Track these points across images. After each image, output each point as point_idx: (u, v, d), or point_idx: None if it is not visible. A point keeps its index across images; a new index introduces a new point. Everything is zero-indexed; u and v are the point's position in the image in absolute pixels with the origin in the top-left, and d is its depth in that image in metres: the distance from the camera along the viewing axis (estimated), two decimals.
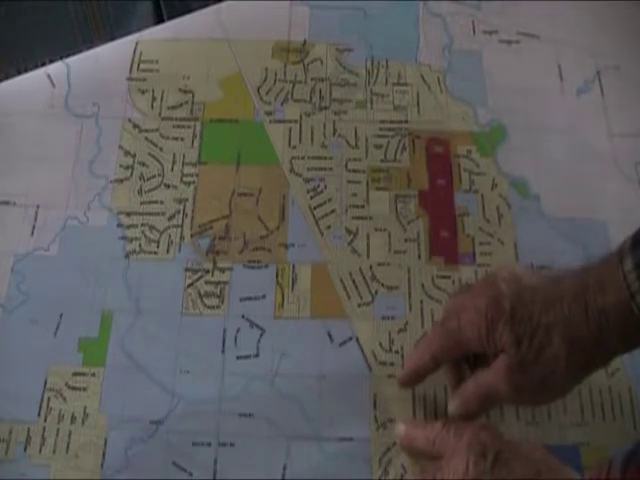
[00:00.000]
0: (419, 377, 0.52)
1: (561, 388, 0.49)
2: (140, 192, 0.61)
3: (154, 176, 0.62)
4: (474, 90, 0.67)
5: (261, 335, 0.56)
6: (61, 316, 0.56)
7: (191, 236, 0.59)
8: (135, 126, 0.64)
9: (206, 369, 0.55)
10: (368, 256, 0.59)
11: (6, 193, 0.61)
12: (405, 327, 0.57)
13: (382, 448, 0.52)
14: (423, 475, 0.47)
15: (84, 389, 0.54)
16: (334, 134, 0.64)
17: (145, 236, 0.59)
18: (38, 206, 0.60)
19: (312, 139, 0.64)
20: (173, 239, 0.59)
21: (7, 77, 0.68)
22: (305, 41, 0.69)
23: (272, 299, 0.57)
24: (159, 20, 0.93)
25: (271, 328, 0.56)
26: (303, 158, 0.63)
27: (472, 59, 0.68)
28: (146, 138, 0.63)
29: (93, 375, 0.54)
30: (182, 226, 0.60)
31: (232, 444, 0.52)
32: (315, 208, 0.61)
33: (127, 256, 0.58)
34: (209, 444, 0.52)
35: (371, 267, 0.59)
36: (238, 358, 0.55)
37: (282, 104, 0.65)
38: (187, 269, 0.58)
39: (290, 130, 0.64)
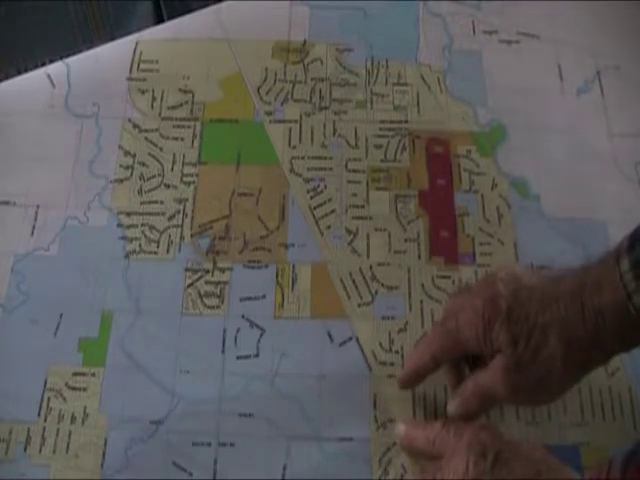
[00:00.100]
0: (419, 377, 0.52)
1: (558, 388, 0.49)
2: (140, 192, 0.61)
3: (154, 176, 0.62)
4: (474, 90, 0.67)
5: (261, 335, 0.56)
6: (61, 316, 0.56)
7: (191, 236, 0.59)
8: (135, 126, 0.64)
9: (206, 369, 0.55)
10: (368, 256, 0.59)
11: (6, 193, 0.61)
12: (405, 327, 0.57)
13: (382, 448, 0.52)
14: (423, 475, 0.47)
15: (84, 389, 0.54)
16: (334, 134, 0.64)
17: (145, 236, 0.59)
18: (38, 206, 0.60)
19: (312, 139, 0.64)
20: (173, 239, 0.59)
21: (7, 77, 0.68)
22: (305, 41, 0.69)
23: (272, 299, 0.57)
24: (159, 20, 0.93)
25: (271, 328, 0.56)
26: (303, 158, 0.63)
27: (472, 59, 0.68)
28: (146, 138, 0.63)
29: (93, 375, 0.54)
30: (182, 226, 0.60)
31: (232, 444, 0.52)
32: (315, 208, 0.61)
33: (127, 256, 0.58)
34: (209, 444, 0.52)
35: (371, 267, 0.59)
36: (238, 358, 0.55)
37: (282, 104, 0.65)
38: (187, 269, 0.58)
39: (290, 130, 0.64)
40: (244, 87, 0.66)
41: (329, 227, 0.60)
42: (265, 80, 0.66)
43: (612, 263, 0.46)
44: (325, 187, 0.62)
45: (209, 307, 0.57)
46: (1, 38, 0.88)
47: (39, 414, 0.53)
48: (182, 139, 0.63)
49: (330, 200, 0.61)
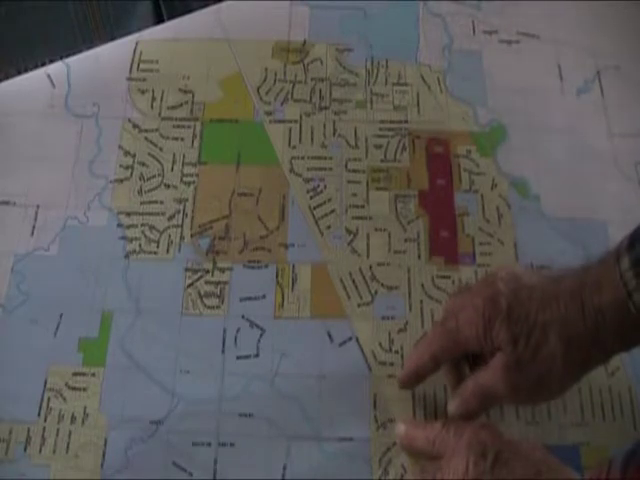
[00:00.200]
0: (419, 377, 0.52)
1: (558, 387, 0.49)
2: (140, 192, 0.61)
3: (154, 176, 0.62)
4: (474, 90, 0.67)
5: (261, 335, 0.56)
6: (61, 316, 0.56)
7: (191, 236, 0.59)
8: (135, 126, 0.64)
9: (206, 369, 0.55)
10: (368, 256, 0.59)
11: (6, 193, 0.61)
12: (405, 327, 0.57)
13: (382, 448, 0.52)
14: (423, 475, 0.47)
15: (84, 389, 0.54)
16: (334, 134, 0.64)
17: (145, 236, 0.59)
18: (38, 206, 0.60)
19: (312, 139, 0.64)
20: (173, 239, 0.59)
21: (7, 77, 0.68)
22: (305, 41, 0.69)
23: (272, 299, 0.57)
24: (159, 20, 0.93)
25: (271, 328, 0.56)
26: (303, 158, 0.63)
27: (472, 59, 0.68)
28: (146, 138, 0.63)
29: (93, 375, 0.54)
30: (182, 226, 0.60)
31: (232, 444, 0.52)
32: (315, 208, 0.61)
33: (127, 256, 0.58)
34: (209, 444, 0.52)
35: (371, 267, 0.59)
36: (238, 358, 0.55)
37: (282, 104, 0.65)
38: (187, 269, 0.58)
39: (290, 130, 0.64)
40: (244, 87, 0.66)
41: (329, 227, 0.60)
42: (265, 80, 0.66)
43: (612, 262, 0.46)
44: (325, 187, 0.62)
45: (209, 307, 0.57)
46: (1, 38, 0.88)
47: (39, 414, 0.53)
48: (182, 139, 0.63)
49: (330, 200, 0.61)
